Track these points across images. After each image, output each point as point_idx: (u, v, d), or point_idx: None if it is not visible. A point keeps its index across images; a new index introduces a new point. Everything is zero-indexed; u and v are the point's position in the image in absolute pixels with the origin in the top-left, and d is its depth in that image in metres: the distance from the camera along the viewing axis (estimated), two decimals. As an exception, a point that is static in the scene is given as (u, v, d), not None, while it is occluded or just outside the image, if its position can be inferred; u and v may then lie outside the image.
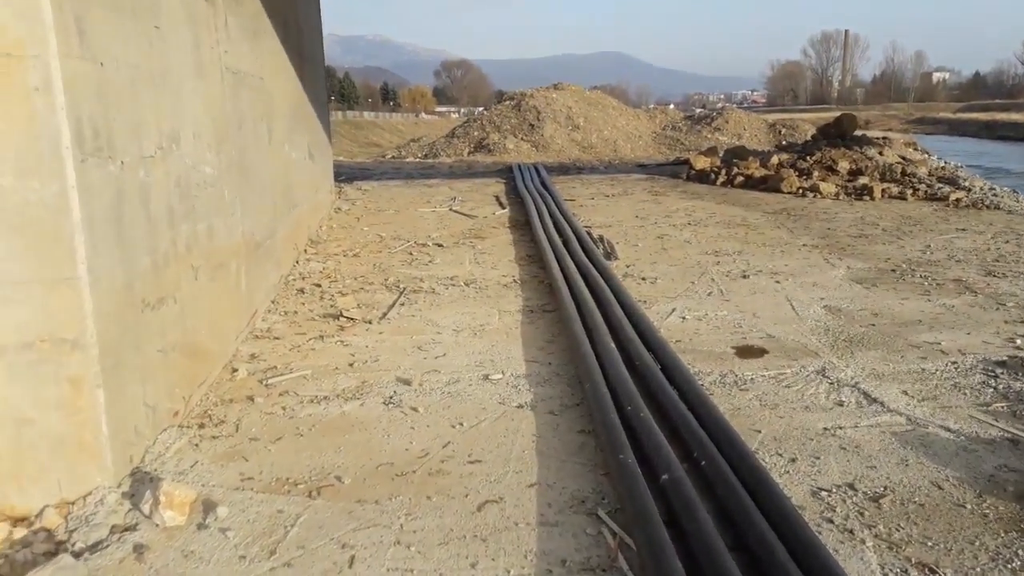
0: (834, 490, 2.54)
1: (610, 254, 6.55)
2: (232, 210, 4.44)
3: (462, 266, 6.37)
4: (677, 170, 12.86)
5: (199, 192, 3.85)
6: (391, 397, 3.55)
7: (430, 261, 6.58)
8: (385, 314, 4.97)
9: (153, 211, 3.17)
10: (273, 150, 5.86)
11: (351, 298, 5.38)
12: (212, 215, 4.04)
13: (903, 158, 11.50)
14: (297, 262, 6.56)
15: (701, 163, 11.90)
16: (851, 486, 2.57)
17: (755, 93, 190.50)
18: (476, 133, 31.31)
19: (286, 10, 6.96)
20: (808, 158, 11.03)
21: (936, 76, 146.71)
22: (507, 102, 34.23)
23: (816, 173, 10.45)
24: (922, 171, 10.29)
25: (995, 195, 9.12)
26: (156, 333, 3.18)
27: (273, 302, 5.30)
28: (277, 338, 4.52)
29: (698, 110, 55.33)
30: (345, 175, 13.54)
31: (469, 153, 29.12)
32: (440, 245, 7.29)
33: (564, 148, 29.64)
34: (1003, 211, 8.27)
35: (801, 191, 9.82)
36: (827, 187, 9.60)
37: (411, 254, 6.93)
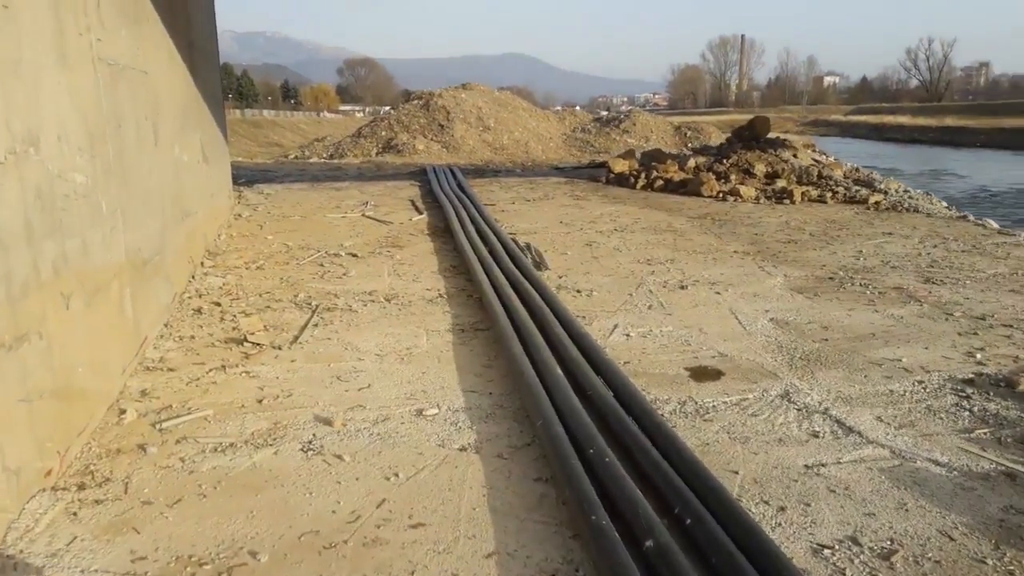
0: (836, 546, 2.22)
1: (540, 263, 6.17)
2: (112, 223, 3.78)
3: (381, 279, 5.85)
4: (595, 173, 12.66)
5: (68, 204, 3.21)
6: (310, 442, 3.03)
7: (344, 274, 6.02)
8: (297, 337, 4.40)
9: (4, 229, 2.54)
10: (160, 152, 5.17)
11: (256, 319, 4.77)
12: (86, 230, 3.39)
13: (816, 160, 11.68)
14: (193, 277, 5.87)
15: (620, 166, 11.73)
16: (854, 540, 2.25)
17: (657, 96, 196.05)
18: (384, 133, 30.49)
19: (175, -5, 6.24)
20: (724, 161, 11.03)
21: (827, 80, 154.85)
22: (415, 101, 33.53)
23: (734, 176, 10.43)
24: (837, 174, 10.44)
25: (911, 197, 9.31)
26: (15, 380, 2.56)
27: (166, 326, 4.64)
28: (172, 370, 3.89)
29: (603, 112, 56.09)
30: (245, 178, 12.65)
31: (377, 154, 28.28)
32: (354, 255, 6.73)
33: (475, 149, 29.24)
34: (922, 214, 8.41)
35: (721, 195, 9.76)
36: (747, 191, 9.57)
37: (322, 265, 6.34)
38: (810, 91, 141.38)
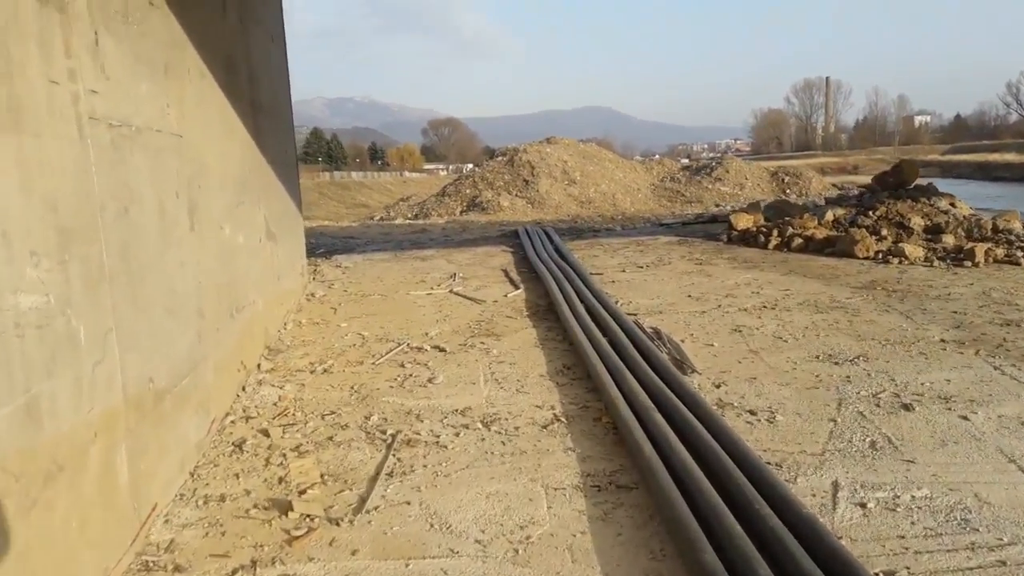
0: None
1: (681, 363, 4.71)
2: (97, 355, 2.59)
3: (476, 388, 4.51)
4: (710, 230, 11.16)
5: (7, 343, 2.03)
6: None
7: (430, 379, 4.72)
8: (364, 501, 3.08)
9: None
10: (201, 237, 4.05)
11: (312, 462, 3.50)
12: (39, 382, 2.19)
13: (952, 204, 9.82)
14: (243, 389, 4.69)
15: (744, 222, 10.19)
16: None
17: (739, 142, 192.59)
18: (468, 191, 29.87)
19: (231, 46, 5.24)
20: (870, 213, 9.34)
21: (918, 119, 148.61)
22: (499, 158, 32.90)
23: (886, 231, 8.73)
24: (1016, 226, 8.59)
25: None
26: None
27: (192, 475, 3.42)
28: (179, 570, 2.62)
29: (684, 160, 54.28)
30: (325, 247, 11.76)
31: (462, 212, 27.53)
32: (442, 349, 5.44)
33: (561, 204, 28.13)
34: None
35: (880, 256, 8.08)
36: (913, 250, 7.86)
37: (403, 366, 5.07)
38: (901, 131, 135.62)
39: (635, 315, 6.13)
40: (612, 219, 22.83)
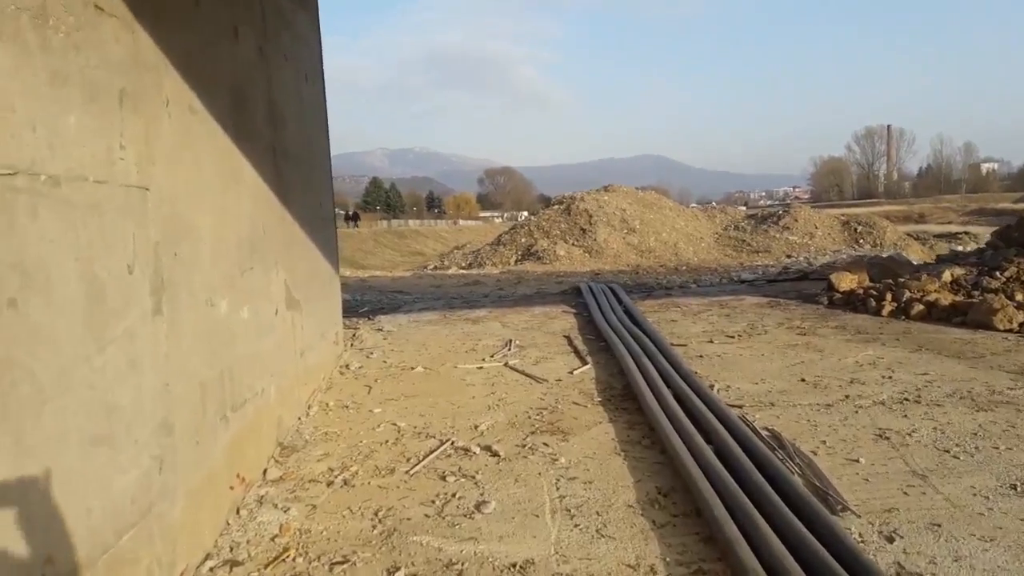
0: None
1: (825, 492, 3.42)
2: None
3: (540, 523, 3.31)
4: (802, 288, 9.80)
5: None
6: None
7: (478, 505, 3.54)
8: None
9: None
10: (172, 322, 3.01)
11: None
12: None
13: None
14: (238, 512, 3.60)
15: (847, 282, 8.82)
16: None
17: (797, 189, 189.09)
18: (523, 239, 28.94)
19: (242, 79, 4.29)
20: (998, 274, 7.89)
21: (985, 167, 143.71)
22: (556, 206, 31.95)
23: (1021, 296, 7.27)
24: None
25: None
26: None
27: None
28: None
29: (742, 208, 52.50)
30: (369, 305, 10.79)
31: (516, 261, 26.54)
32: (495, 453, 4.27)
33: (620, 253, 26.90)
34: None
35: (1025, 327, 6.66)
36: (1075, 321, 6.43)
37: (444, 479, 3.91)
38: (968, 179, 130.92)
39: (739, 406, 4.86)
40: (676, 270, 21.49)
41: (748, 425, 4.33)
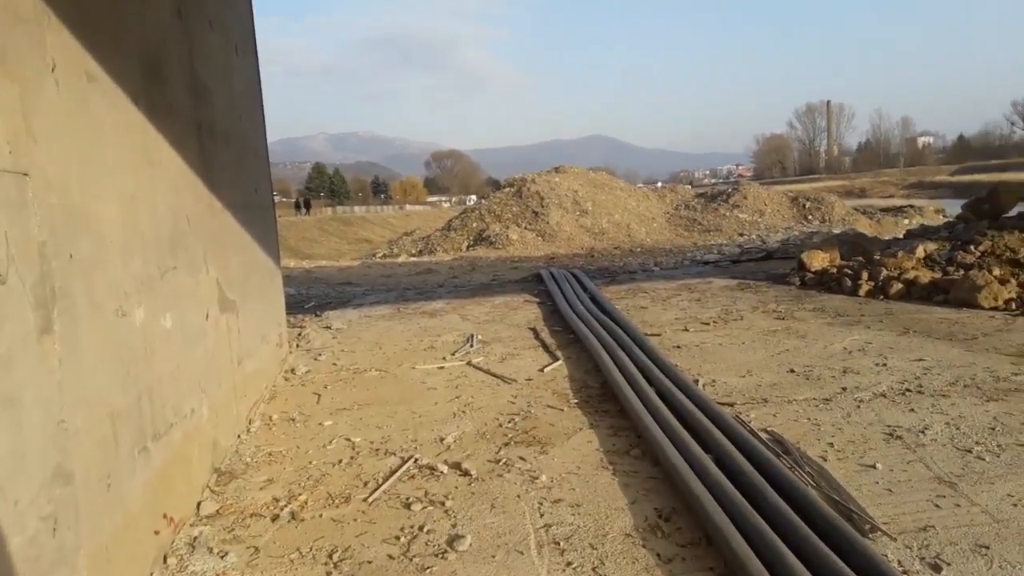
0: None
1: (848, 509, 2.99)
2: None
3: (525, 562, 2.81)
4: (769, 268, 9.49)
5: None
6: None
7: (451, 541, 3.01)
8: None
9: None
10: (68, 342, 2.39)
11: None
12: None
13: None
14: (165, 560, 3.01)
15: (819, 261, 8.51)
16: None
17: (740, 167, 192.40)
18: (475, 224, 28.34)
19: (157, 45, 3.64)
20: (972, 248, 7.67)
21: (921, 140, 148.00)
22: (506, 189, 31.34)
23: (998, 270, 7.05)
24: None
25: None
26: None
27: None
28: None
29: (688, 186, 52.66)
30: (316, 300, 10.10)
31: (469, 247, 25.94)
32: (464, 471, 3.75)
33: (574, 236, 26.52)
34: None
35: (1013, 305, 6.40)
36: (1062, 297, 6.20)
37: (409, 507, 3.37)
38: (905, 153, 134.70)
39: (730, 404, 4.43)
40: (631, 251, 21.18)
41: (746, 427, 3.90)
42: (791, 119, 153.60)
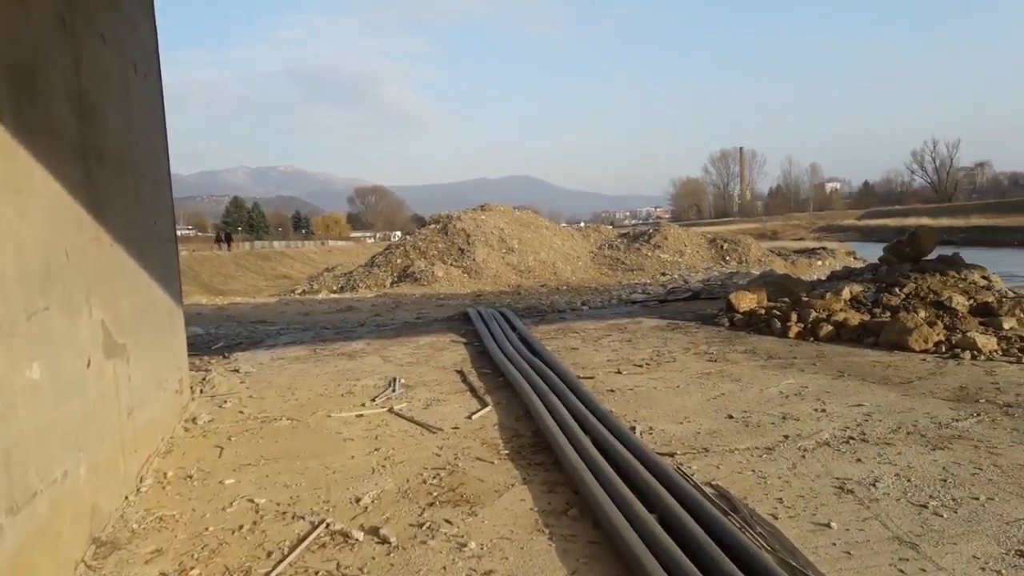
0: None
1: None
2: None
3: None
4: (697, 309, 9.41)
5: None
6: None
7: (367, 628, 2.59)
8: None
9: None
10: None
11: None
12: None
13: (985, 278, 8.36)
14: (10, 668, 2.47)
15: (747, 302, 8.47)
16: None
17: (659, 209, 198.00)
18: (399, 260, 27.81)
19: (32, 53, 3.18)
20: (897, 290, 7.75)
21: (828, 186, 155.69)
22: (432, 226, 31.01)
23: (923, 313, 7.13)
24: None
25: None
26: None
27: None
28: None
29: (609, 226, 53.55)
30: (225, 339, 9.44)
31: (393, 283, 25.37)
32: (383, 539, 3.33)
33: (500, 273, 26.32)
34: None
35: (944, 347, 6.43)
36: (986, 341, 6.24)
37: (319, 585, 2.94)
38: (814, 198, 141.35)
39: (670, 454, 4.17)
40: (558, 290, 21.08)
41: (690, 482, 3.63)
42: (706, 164, 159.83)
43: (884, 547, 2.91)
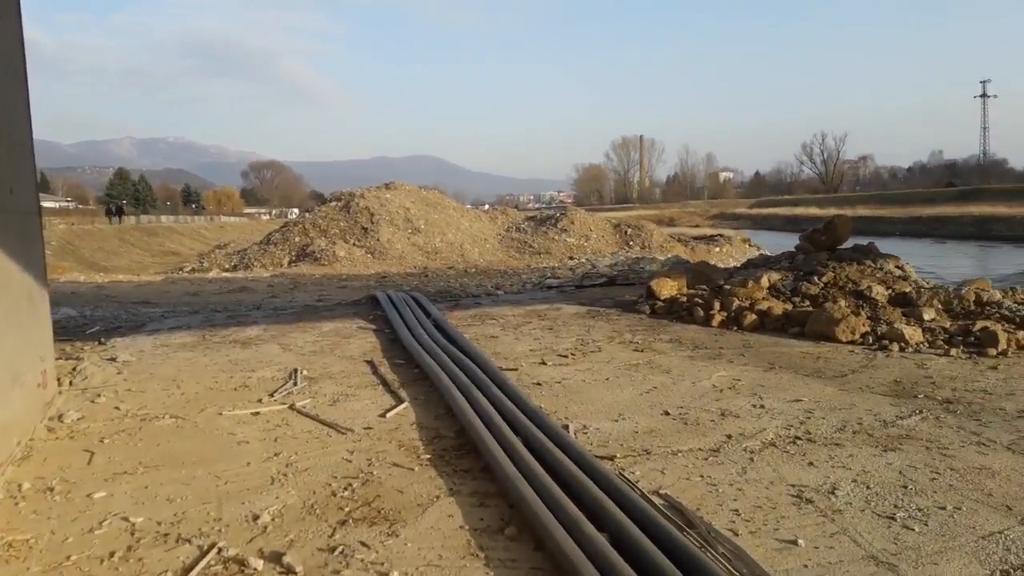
0: None
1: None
2: None
3: None
4: (614, 295, 9.16)
5: None
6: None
7: None
8: None
9: None
10: None
11: None
12: None
13: (899, 267, 8.50)
14: None
15: (668, 289, 8.25)
16: None
17: (562, 194, 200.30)
18: (298, 239, 26.56)
19: None
20: (816, 279, 7.72)
21: (723, 175, 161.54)
22: (333, 203, 29.82)
23: (843, 302, 7.10)
24: (1000, 298, 7.20)
25: None
26: None
27: None
28: None
29: (512, 209, 53.53)
30: (102, 324, 8.47)
31: (290, 263, 24.17)
32: (286, 568, 2.79)
33: (405, 254, 25.60)
34: None
35: (870, 339, 6.37)
36: (912, 332, 6.21)
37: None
38: (709, 186, 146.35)
39: (610, 458, 3.80)
40: (466, 272, 20.61)
41: (636, 491, 3.27)
42: (608, 151, 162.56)
43: (861, 569, 2.63)
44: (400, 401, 4.98)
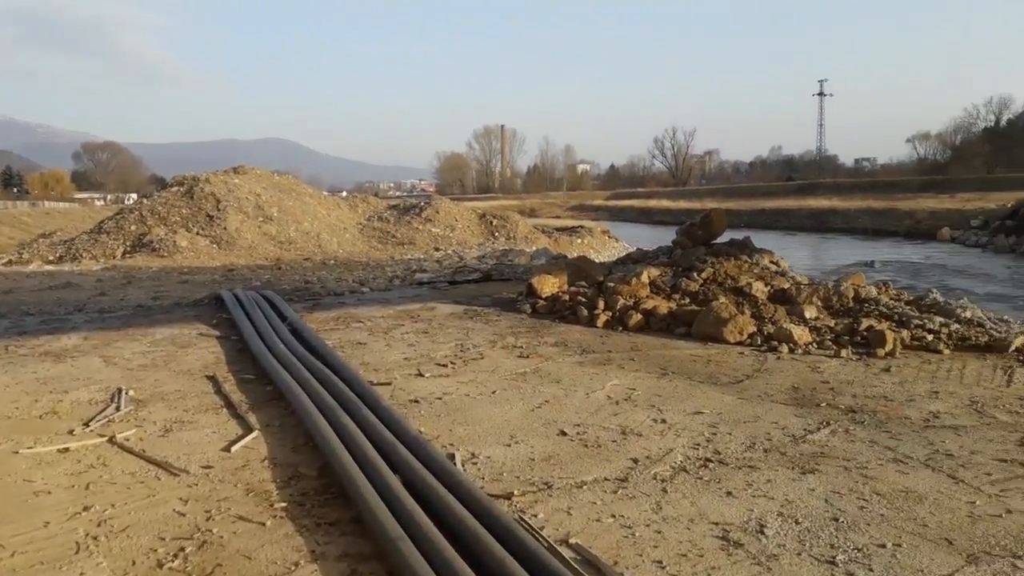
0: None
1: None
2: None
3: None
4: (491, 291, 8.60)
5: None
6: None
7: None
8: None
9: None
10: None
11: None
12: None
13: (774, 263, 8.54)
14: None
15: (549, 287, 7.78)
16: None
17: (423, 182, 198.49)
18: (134, 227, 24.12)
19: None
20: (696, 276, 7.53)
21: (580, 167, 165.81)
22: (175, 188, 27.32)
23: (723, 299, 6.93)
24: (877, 294, 7.25)
25: (1009, 330, 6.32)
26: None
27: None
28: None
29: (372, 197, 52.11)
30: None
31: (125, 253, 21.87)
32: None
33: (256, 244, 23.85)
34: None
35: (757, 339, 6.17)
36: (801, 333, 6.06)
37: None
38: (568, 177, 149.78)
39: (506, 496, 3.24)
40: (324, 264, 19.40)
41: (544, 543, 2.72)
42: (470, 139, 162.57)
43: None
44: (249, 430, 4.16)
